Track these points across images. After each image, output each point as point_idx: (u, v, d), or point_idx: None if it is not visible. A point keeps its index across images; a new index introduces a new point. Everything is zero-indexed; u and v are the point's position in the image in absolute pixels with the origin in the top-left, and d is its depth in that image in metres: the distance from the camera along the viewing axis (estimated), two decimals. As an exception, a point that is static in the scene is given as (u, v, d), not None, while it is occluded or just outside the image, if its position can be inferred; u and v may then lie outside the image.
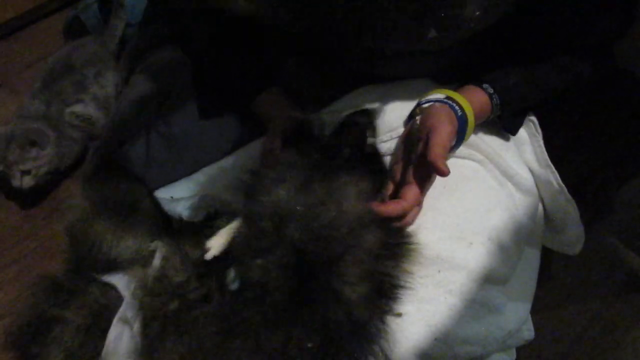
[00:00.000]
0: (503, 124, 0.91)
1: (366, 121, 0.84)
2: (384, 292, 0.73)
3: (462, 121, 0.81)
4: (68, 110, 1.24)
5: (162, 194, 0.95)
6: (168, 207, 0.92)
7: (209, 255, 0.74)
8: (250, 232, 0.72)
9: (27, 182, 1.15)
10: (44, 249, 1.14)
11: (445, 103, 0.82)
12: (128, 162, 0.99)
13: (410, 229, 0.79)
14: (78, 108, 1.25)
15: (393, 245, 0.75)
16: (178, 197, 0.95)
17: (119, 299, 0.77)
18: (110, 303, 0.77)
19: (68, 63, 1.29)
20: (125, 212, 0.86)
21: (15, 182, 1.15)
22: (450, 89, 0.86)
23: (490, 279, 0.85)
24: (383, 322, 0.73)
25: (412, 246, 0.77)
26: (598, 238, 1.21)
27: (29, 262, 1.13)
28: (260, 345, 0.68)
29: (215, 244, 0.74)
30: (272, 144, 0.81)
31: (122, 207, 0.87)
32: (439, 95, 0.84)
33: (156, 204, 0.92)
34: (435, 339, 0.78)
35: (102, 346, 0.75)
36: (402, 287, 0.75)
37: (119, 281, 0.79)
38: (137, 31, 1.31)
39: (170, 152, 0.98)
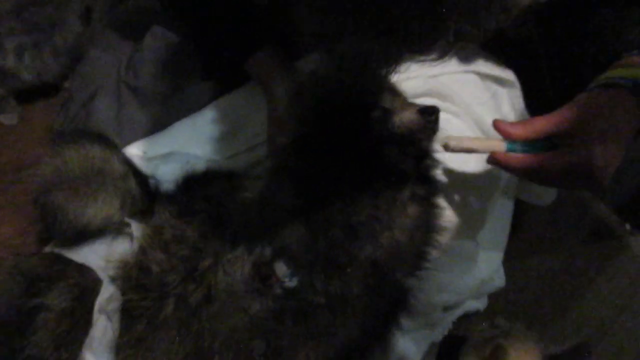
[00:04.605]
0: None
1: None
2: None
3: None
4: None
5: (135, 150, 0.92)
6: (140, 164, 0.89)
7: (448, 148, 0.72)
8: (317, 240, 0.70)
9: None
10: (13, 204, 1.11)
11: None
12: (96, 118, 0.96)
13: None
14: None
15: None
16: (151, 154, 0.92)
17: (99, 280, 0.75)
18: (90, 284, 0.75)
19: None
20: (90, 177, 0.80)
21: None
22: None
23: (463, 228, 0.87)
24: None
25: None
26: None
27: (-1, 217, 1.11)
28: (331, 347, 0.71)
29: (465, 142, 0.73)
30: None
31: (87, 172, 0.81)
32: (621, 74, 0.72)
33: (127, 162, 0.88)
34: None
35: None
36: None
37: (94, 261, 0.77)
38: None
39: (141, 106, 0.96)
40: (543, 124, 0.71)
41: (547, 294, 1.10)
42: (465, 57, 0.95)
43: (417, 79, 0.92)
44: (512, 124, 0.73)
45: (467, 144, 0.73)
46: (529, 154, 0.71)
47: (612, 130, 0.67)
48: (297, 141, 0.72)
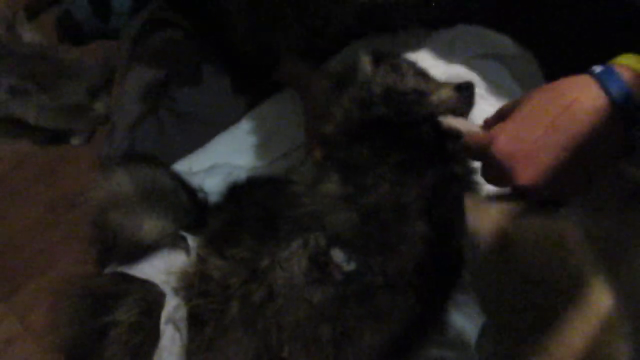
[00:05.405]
0: None
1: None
2: None
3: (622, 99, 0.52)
4: None
5: (181, 167, 0.97)
6: (187, 179, 0.92)
7: (443, 125, 0.71)
8: (369, 224, 0.72)
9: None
10: (69, 237, 1.16)
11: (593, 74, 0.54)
12: (141, 142, 1.01)
13: None
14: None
15: None
16: (196, 169, 0.97)
17: (163, 292, 0.78)
18: (155, 298, 0.77)
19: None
20: (143, 194, 0.83)
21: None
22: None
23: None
24: None
25: None
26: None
27: (56, 251, 1.15)
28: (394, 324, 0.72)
29: (452, 122, 0.71)
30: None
31: (140, 190, 0.84)
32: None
33: (176, 178, 0.91)
34: None
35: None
36: None
37: (155, 275, 0.79)
38: (129, 17, 1.31)
39: (181, 126, 1.01)
40: (508, 106, 0.62)
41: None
42: (473, 41, 0.99)
43: (437, 67, 0.95)
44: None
45: (454, 125, 0.70)
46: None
47: (542, 119, 0.54)
48: (344, 128, 0.76)
